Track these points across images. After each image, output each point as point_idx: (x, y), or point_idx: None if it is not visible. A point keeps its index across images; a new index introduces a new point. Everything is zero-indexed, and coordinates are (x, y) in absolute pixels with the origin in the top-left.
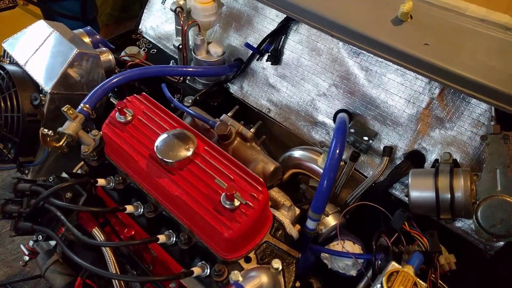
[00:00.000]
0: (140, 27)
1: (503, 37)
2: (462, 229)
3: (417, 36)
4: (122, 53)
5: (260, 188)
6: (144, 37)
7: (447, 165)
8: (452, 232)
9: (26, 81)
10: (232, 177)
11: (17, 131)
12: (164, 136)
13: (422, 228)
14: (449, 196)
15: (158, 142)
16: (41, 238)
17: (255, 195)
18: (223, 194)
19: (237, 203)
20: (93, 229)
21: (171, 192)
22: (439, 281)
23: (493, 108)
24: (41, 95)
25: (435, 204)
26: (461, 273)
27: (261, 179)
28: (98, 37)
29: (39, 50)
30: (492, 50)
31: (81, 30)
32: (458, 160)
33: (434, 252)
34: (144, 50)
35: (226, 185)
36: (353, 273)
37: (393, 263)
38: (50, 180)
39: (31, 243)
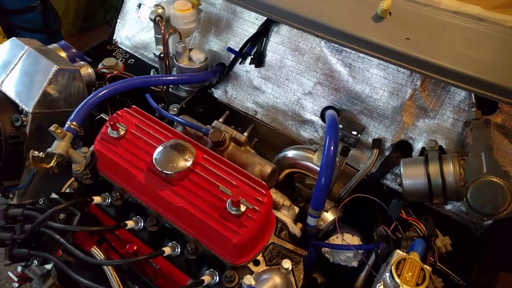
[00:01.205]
0: (114, 38)
1: (476, 27)
2: (452, 211)
3: (398, 32)
4: (100, 65)
5: (263, 192)
6: (120, 48)
7: (435, 152)
8: (443, 215)
9: (4, 103)
10: (235, 183)
11: (0, 155)
12: (161, 148)
13: (415, 214)
14: (440, 181)
15: (156, 154)
16: (36, 263)
17: (260, 198)
18: (229, 200)
19: (243, 208)
20: (92, 248)
21: (174, 203)
22: (438, 263)
23: (473, 95)
24: (22, 115)
25: (428, 190)
26: (455, 253)
27: (264, 182)
28: (74, 51)
29: (15, 69)
30: (468, 41)
31: (55, 45)
32: (443, 146)
33: (431, 236)
34: (121, 60)
35: (231, 192)
36: (355, 264)
37: (398, 251)
38: (40, 203)
39: (19, 269)
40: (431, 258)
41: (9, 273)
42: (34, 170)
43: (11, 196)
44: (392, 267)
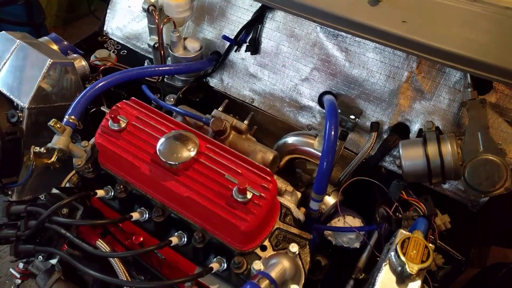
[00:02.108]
0: (105, 29)
1: (471, 8)
2: (449, 190)
3: (394, 15)
4: (92, 58)
5: (269, 178)
6: (111, 39)
7: (432, 133)
8: (440, 194)
9: None
10: (240, 171)
11: None
12: (164, 139)
13: (414, 194)
14: (439, 161)
15: (159, 145)
16: (41, 258)
17: (265, 185)
18: (235, 188)
19: (249, 195)
20: (97, 241)
21: (180, 193)
22: (438, 241)
23: (468, 75)
24: (17, 111)
25: (427, 171)
26: (454, 230)
27: (268, 169)
28: (65, 43)
29: (7, 64)
30: (463, 22)
31: (46, 38)
32: (440, 127)
33: (431, 215)
34: (113, 52)
35: (237, 179)
36: (357, 245)
37: (401, 230)
38: (42, 198)
39: (21, 265)
40: (431, 236)
41: (11, 269)
42: (33, 166)
43: (10, 193)
44: (398, 246)
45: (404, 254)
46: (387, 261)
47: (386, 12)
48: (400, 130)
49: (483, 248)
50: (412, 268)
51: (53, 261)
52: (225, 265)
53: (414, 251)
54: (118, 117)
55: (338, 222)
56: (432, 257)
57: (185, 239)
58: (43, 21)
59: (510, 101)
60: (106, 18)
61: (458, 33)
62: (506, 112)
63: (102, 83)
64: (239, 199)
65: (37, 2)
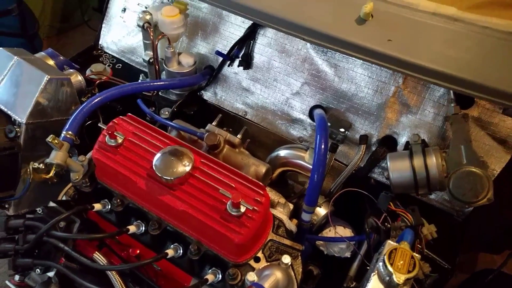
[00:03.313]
0: (100, 42)
1: (453, 27)
2: (436, 200)
3: (380, 33)
4: (88, 72)
5: (261, 192)
6: (107, 52)
7: (418, 146)
8: (427, 204)
9: None
10: (233, 185)
11: None
12: (160, 154)
13: (402, 205)
14: (425, 173)
15: (155, 161)
16: (39, 271)
17: (258, 199)
18: (229, 202)
19: (243, 209)
20: (94, 254)
21: (176, 207)
22: (425, 250)
23: (451, 91)
24: (15, 126)
25: (414, 182)
26: (440, 239)
27: (261, 183)
28: (61, 58)
29: (5, 80)
30: (446, 40)
31: (43, 53)
32: (426, 139)
33: (418, 225)
34: (108, 65)
35: (231, 194)
36: (348, 254)
37: (389, 241)
38: (39, 212)
39: (17, 277)
40: (418, 245)
41: (7, 282)
42: (30, 180)
43: (6, 206)
44: (385, 256)
45: (391, 265)
46: (376, 271)
47: (372, 31)
48: (388, 143)
49: (472, 255)
50: (399, 278)
51: (50, 274)
52: (220, 276)
53: (401, 262)
54: (115, 133)
55: (329, 232)
56: (418, 267)
57: (181, 251)
58: (37, 31)
59: (492, 115)
60: (102, 32)
61: (441, 51)
62: (488, 125)
63: (98, 98)
64: (233, 213)
65: (30, 13)
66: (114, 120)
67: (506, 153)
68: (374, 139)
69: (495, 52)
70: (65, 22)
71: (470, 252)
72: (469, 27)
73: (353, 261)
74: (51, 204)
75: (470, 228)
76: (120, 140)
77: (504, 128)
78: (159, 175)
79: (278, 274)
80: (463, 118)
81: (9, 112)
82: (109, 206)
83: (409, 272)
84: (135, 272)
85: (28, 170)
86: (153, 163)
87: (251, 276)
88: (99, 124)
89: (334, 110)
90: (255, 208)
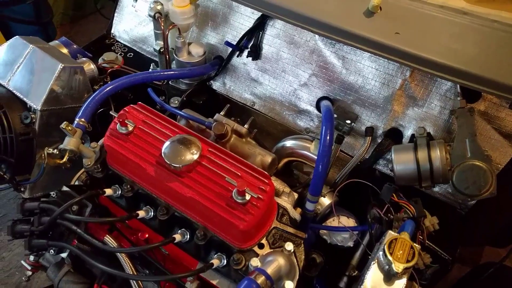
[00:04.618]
0: (112, 31)
1: (461, 21)
2: (439, 193)
3: (388, 26)
4: (100, 60)
5: (266, 181)
6: (118, 41)
7: (423, 139)
8: (431, 197)
9: (13, 101)
10: (239, 174)
11: (12, 151)
12: (169, 142)
13: (405, 196)
14: (428, 166)
15: (164, 149)
16: (53, 252)
17: (263, 187)
18: (235, 190)
19: (248, 197)
20: (105, 237)
21: (184, 194)
22: (427, 241)
23: (458, 85)
24: (30, 113)
25: (417, 175)
26: (442, 231)
27: (266, 172)
28: (75, 47)
29: (21, 68)
30: (453, 34)
31: (57, 42)
32: (431, 133)
33: (420, 216)
34: (120, 54)
35: (237, 182)
36: (351, 244)
37: (390, 231)
38: (53, 196)
39: (31, 258)
40: (420, 236)
41: (22, 262)
42: (45, 164)
43: (22, 189)
44: (385, 246)
45: (391, 254)
46: (376, 260)
47: (380, 24)
48: (394, 135)
49: (477, 249)
50: (398, 267)
51: (63, 255)
52: (225, 261)
53: (401, 251)
54: (126, 121)
55: (333, 222)
56: (417, 257)
57: (188, 236)
58: (51, 19)
59: (498, 110)
60: (114, 21)
61: (448, 44)
62: (493, 120)
63: (110, 87)
64: (238, 200)
65: (45, 1)
66: (125, 108)
67: (511, 147)
68: (380, 131)
69: (504, 46)
70: (79, 10)
71: (475, 246)
72: (478, 20)
73: (355, 251)
74: (64, 188)
75: (475, 222)
76: (130, 128)
77: (510, 123)
78: (168, 162)
79: (280, 260)
80: (469, 112)
81: (24, 99)
82: (120, 192)
83: (408, 261)
84: (144, 256)
85: (43, 155)
86: (162, 151)
87: (255, 262)
88: (110, 112)
89: (341, 102)
90: (260, 196)
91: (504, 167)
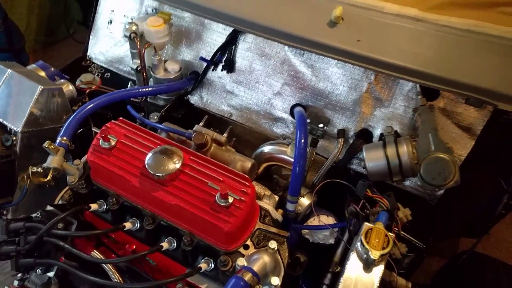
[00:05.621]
0: (88, 54)
1: (415, 27)
2: (410, 186)
3: (350, 35)
4: (78, 82)
5: (247, 183)
6: (95, 63)
7: (391, 137)
8: (403, 191)
9: None
10: (221, 179)
11: None
12: (151, 154)
13: (379, 191)
14: (397, 161)
15: (147, 160)
16: (39, 271)
17: (245, 190)
18: (217, 194)
19: (230, 199)
20: (92, 252)
21: (168, 202)
22: (401, 231)
23: (418, 85)
24: (11, 135)
25: (388, 170)
26: (415, 221)
27: (246, 176)
28: (52, 69)
29: None
30: (410, 39)
31: (34, 65)
32: (398, 130)
33: (393, 209)
34: (98, 75)
35: (219, 186)
36: (332, 241)
37: (366, 223)
38: (38, 216)
39: (15, 282)
40: (395, 228)
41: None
42: (27, 185)
43: (4, 212)
44: (362, 236)
45: (367, 243)
46: (354, 251)
47: (343, 33)
48: (364, 135)
49: (453, 241)
50: (375, 254)
51: (50, 274)
52: (212, 265)
53: (376, 240)
54: (109, 136)
55: (313, 221)
56: (391, 244)
57: (175, 244)
58: (23, 46)
59: (455, 105)
60: (89, 44)
61: (406, 48)
62: (452, 115)
63: (91, 105)
64: (221, 204)
65: (16, 28)
66: (107, 124)
67: (470, 139)
68: (351, 132)
69: (455, 48)
70: (51, 36)
71: (451, 238)
72: (430, 26)
73: (337, 247)
74: (49, 207)
75: (446, 213)
76: (113, 143)
77: (467, 117)
78: (152, 172)
79: (265, 258)
80: (429, 109)
81: (4, 122)
82: (105, 206)
83: (383, 248)
84: (132, 268)
85: (26, 176)
86: (146, 162)
87: (241, 261)
88: (92, 129)
89: (313, 108)
90: (242, 198)
91: (466, 157)
